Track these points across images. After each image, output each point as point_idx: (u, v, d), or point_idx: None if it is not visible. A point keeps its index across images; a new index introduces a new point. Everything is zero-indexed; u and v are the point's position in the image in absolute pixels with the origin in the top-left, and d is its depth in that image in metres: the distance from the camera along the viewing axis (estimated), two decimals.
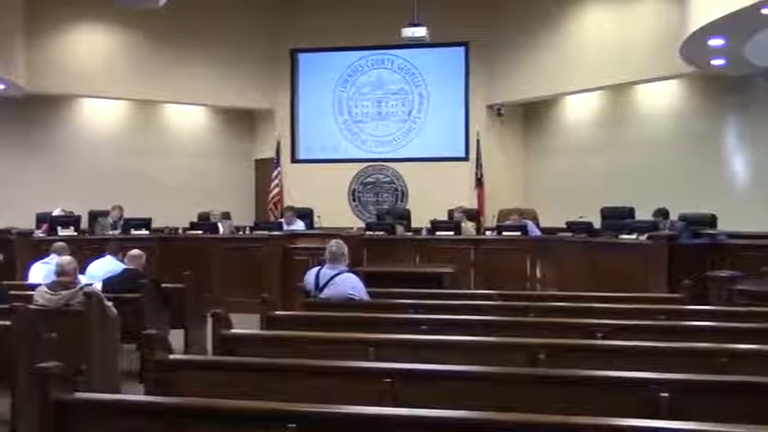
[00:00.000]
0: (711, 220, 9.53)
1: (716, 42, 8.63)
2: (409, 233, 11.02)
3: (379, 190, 13.91)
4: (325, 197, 13.02)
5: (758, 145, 10.11)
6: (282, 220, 11.51)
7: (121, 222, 10.70)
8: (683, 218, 9.53)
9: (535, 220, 11.43)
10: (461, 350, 4.12)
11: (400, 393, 3.23)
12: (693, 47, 8.95)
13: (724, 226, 9.43)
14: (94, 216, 11.03)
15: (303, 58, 14.17)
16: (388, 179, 13.87)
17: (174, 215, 11.66)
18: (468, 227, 10.97)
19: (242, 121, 14.84)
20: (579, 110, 12.83)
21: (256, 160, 14.84)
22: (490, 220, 12.24)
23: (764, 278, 6.66)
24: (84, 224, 10.84)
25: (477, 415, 2.68)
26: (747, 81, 10.04)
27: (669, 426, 2.63)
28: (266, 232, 10.49)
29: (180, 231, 11.25)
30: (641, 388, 3.16)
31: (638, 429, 2.58)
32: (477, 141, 13.19)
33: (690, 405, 3.06)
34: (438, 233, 10.59)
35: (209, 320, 4.40)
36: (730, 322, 5.07)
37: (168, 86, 13.11)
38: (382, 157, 13.93)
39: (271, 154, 14.05)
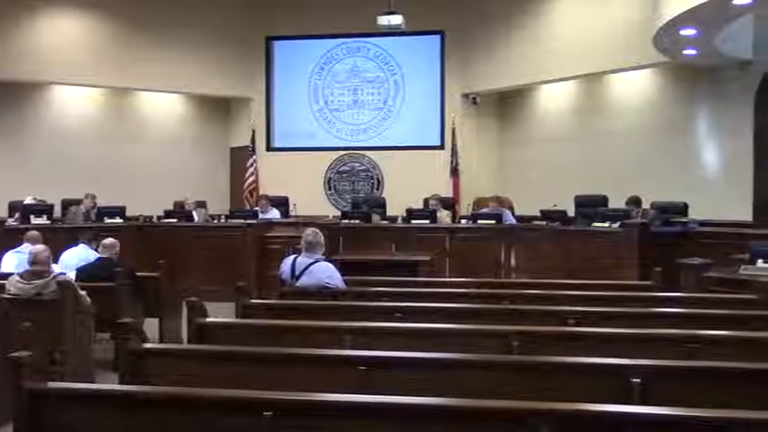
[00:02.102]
0: (683, 209, 9.67)
1: (688, 32, 8.71)
2: (385, 221, 11.03)
3: (354, 178, 13.90)
4: (300, 185, 12.99)
5: (729, 134, 10.24)
6: (258, 208, 11.49)
7: (95, 211, 10.60)
8: (655, 206, 9.65)
9: (510, 208, 11.50)
10: (436, 338, 4.15)
11: (376, 381, 3.25)
12: (666, 37, 9.02)
13: (695, 214, 9.57)
14: (68, 204, 10.92)
15: (278, 45, 14.09)
16: (363, 167, 13.87)
17: (148, 203, 11.57)
18: (444, 215, 11.00)
19: (217, 109, 14.74)
20: (554, 99, 12.89)
21: (232, 148, 14.76)
22: (465, 208, 12.29)
23: (734, 265, 6.77)
24: (57, 213, 10.73)
25: (453, 402, 2.71)
26: (719, 71, 10.15)
27: (640, 411, 2.68)
28: (241, 221, 10.45)
29: (154, 220, 11.18)
30: (613, 374, 3.20)
31: (610, 414, 2.62)
32: (453, 130, 13.23)
33: (661, 390, 3.11)
34: (413, 221, 10.61)
35: (184, 309, 4.37)
36: (701, 309, 5.16)
37: (142, 74, 12.97)
38: (358, 145, 13.91)
39: (246, 142, 13.99)
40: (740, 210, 9.76)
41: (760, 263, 6.51)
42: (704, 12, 7.83)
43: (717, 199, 9.98)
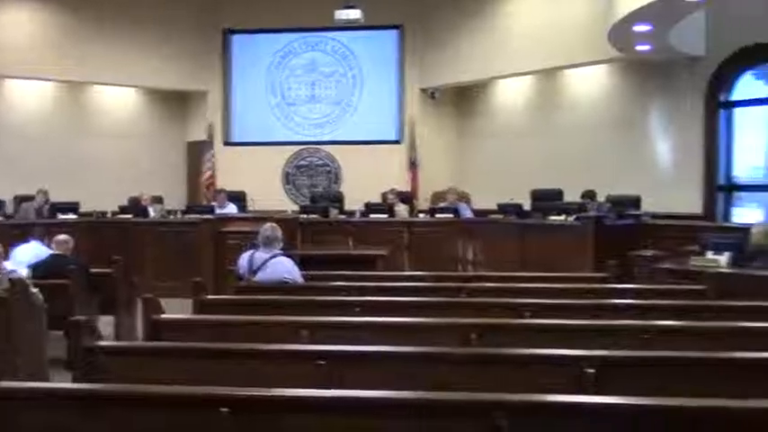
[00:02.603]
0: (636, 202, 9.87)
1: (642, 28, 8.86)
2: (343, 216, 11.04)
3: (312, 173, 13.85)
4: (258, 180, 12.91)
5: (680, 129, 10.44)
6: (215, 203, 11.39)
7: (47, 207, 10.40)
8: (609, 199, 9.83)
9: (468, 202, 11.60)
10: (395, 331, 4.17)
11: (334, 375, 3.25)
12: (620, 32, 9.16)
13: (648, 207, 9.77)
14: (20, 201, 10.70)
15: (236, 39, 13.96)
16: (321, 162, 13.82)
17: (103, 199, 11.39)
18: (402, 209, 11.05)
19: (173, 103, 14.54)
20: (511, 93, 13.00)
21: (188, 143, 14.59)
22: (423, 202, 12.35)
23: (685, 257, 6.92)
24: (9, 209, 10.52)
25: (413, 395, 2.72)
26: (671, 66, 10.34)
27: (594, 400, 2.72)
28: (198, 216, 10.35)
29: (109, 215, 11.01)
30: (568, 364, 3.25)
31: (565, 405, 2.65)
32: (411, 124, 13.25)
33: (614, 380, 3.16)
34: (372, 216, 10.64)
35: (140, 306, 4.33)
36: (653, 300, 5.26)
37: (97, 67, 12.71)
38: (316, 139, 13.86)
39: (203, 136, 13.84)
40: (691, 203, 9.98)
41: (710, 254, 6.68)
42: (658, 8, 7.97)
43: (668, 192, 10.17)
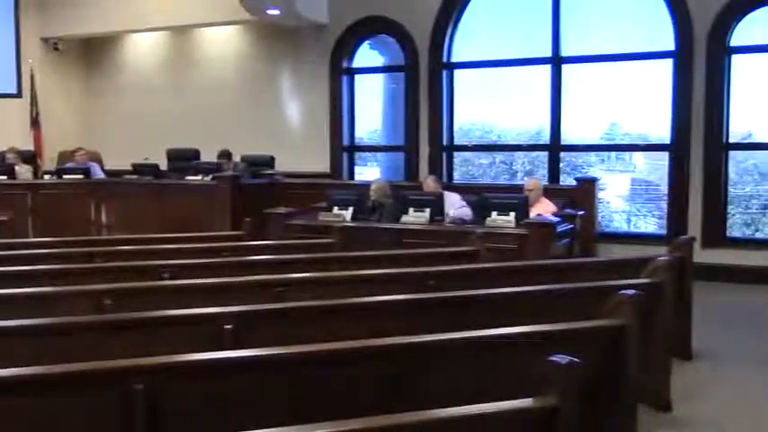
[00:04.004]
0: (270, 161, 10.30)
1: None
2: None
3: None
4: None
5: (308, 92, 11.01)
6: None
7: None
8: (245, 159, 10.11)
9: (99, 162, 11.06)
10: (19, 304, 3.86)
11: None
12: None
13: (281, 166, 10.27)
14: None
15: None
16: None
17: None
18: (24, 170, 10.21)
19: None
20: (144, 49, 12.53)
21: None
22: (49, 162, 11.49)
23: (315, 213, 7.42)
24: None
25: (38, 371, 2.56)
26: (299, 32, 10.82)
27: (233, 355, 2.82)
28: None
29: None
30: (207, 322, 3.31)
31: (203, 362, 2.71)
32: (32, 77, 12.11)
33: (251, 334, 3.31)
34: None
35: None
36: (286, 254, 5.56)
37: None
38: None
39: None
40: (319, 162, 10.66)
41: (336, 210, 7.24)
42: None
43: (299, 152, 10.75)
